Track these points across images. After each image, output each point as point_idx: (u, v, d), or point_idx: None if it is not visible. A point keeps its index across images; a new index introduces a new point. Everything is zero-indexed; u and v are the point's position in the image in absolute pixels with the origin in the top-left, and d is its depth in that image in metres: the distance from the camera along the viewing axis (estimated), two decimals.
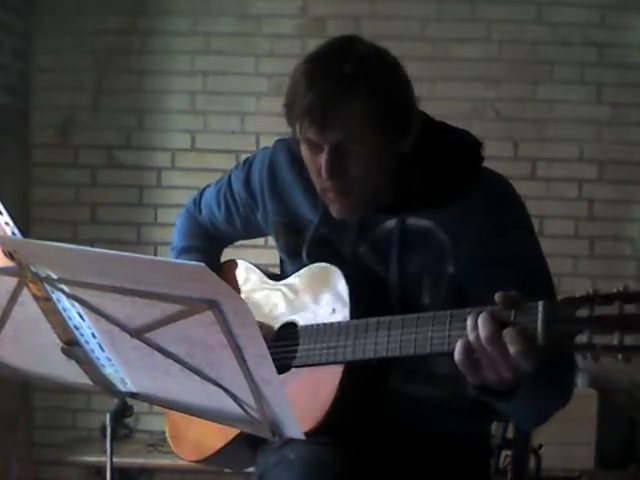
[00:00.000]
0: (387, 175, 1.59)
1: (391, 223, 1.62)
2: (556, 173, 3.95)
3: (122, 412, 1.50)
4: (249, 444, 1.72)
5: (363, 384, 1.58)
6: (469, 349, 1.33)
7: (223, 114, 3.99)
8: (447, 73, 3.93)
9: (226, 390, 1.31)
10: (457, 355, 1.34)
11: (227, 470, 2.16)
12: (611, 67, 3.91)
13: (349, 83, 1.50)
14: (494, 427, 1.85)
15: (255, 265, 1.87)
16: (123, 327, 1.31)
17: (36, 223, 3.95)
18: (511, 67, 3.94)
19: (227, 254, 2.00)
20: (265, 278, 1.82)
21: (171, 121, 4.02)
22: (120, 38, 3.98)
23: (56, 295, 1.34)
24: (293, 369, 1.63)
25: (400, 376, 1.59)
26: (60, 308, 1.36)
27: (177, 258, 1.90)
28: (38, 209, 4.01)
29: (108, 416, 1.50)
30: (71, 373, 1.45)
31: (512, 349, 1.28)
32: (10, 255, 1.30)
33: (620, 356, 1.20)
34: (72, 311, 1.36)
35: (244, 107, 3.97)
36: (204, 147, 4.01)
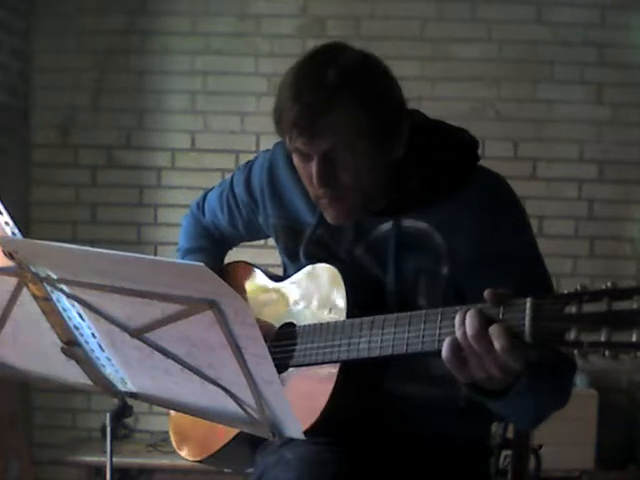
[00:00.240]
0: (380, 180, 1.59)
1: (387, 225, 1.62)
2: (556, 173, 3.95)
3: (122, 412, 1.50)
4: (248, 444, 1.73)
5: (359, 384, 1.58)
6: (456, 346, 1.33)
7: (223, 114, 3.99)
8: (447, 73, 3.93)
9: (226, 390, 1.31)
10: (444, 352, 1.34)
11: (227, 470, 2.16)
12: (611, 67, 3.91)
13: (334, 92, 1.50)
14: (494, 427, 1.85)
15: (256, 266, 1.88)
16: (123, 327, 1.31)
17: (36, 223, 3.96)
18: (511, 67, 3.94)
19: (228, 255, 2.01)
20: (266, 279, 1.83)
21: (171, 121, 4.02)
22: (120, 38, 3.99)
23: (56, 295, 1.34)
24: (291, 368, 1.64)
25: (396, 376, 1.59)
26: (60, 308, 1.36)
27: (182, 259, 1.92)
28: (38, 209, 4.01)
29: (108, 416, 1.50)
30: (71, 373, 1.45)
31: (497, 345, 1.28)
32: (10, 255, 1.30)
33: (608, 353, 1.18)
34: (72, 311, 1.36)
35: (244, 107, 3.97)
36: (204, 147, 4.01)
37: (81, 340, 1.39)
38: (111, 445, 1.52)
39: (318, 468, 1.54)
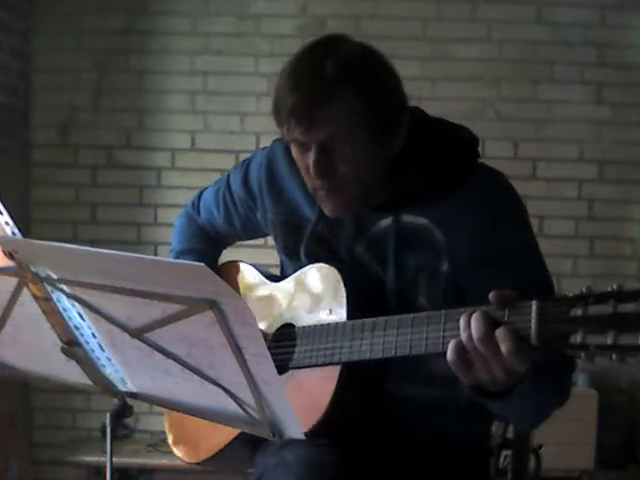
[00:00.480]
0: (378, 173, 1.58)
1: (387, 221, 1.61)
2: (556, 173, 3.95)
3: (122, 412, 1.50)
4: (248, 445, 1.72)
5: (360, 385, 1.58)
6: (462, 349, 1.32)
7: (223, 114, 3.99)
8: (447, 73, 3.93)
9: (226, 390, 1.31)
10: (450, 355, 1.34)
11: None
12: (611, 67, 3.91)
13: (333, 83, 1.50)
14: (494, 427, 1.85)
15: (254, 266, 1.87)
16: (123, 327, 1.31)
17: (36, 223, 3.95)
18: (511, 67, 3.94)
19: (226, 254, 2.00)
20: (264, 279, 1.82)
21: (171, 121, 4.02)
22: (120, 38, 3.99)
23: (56, 295, 1.34)
24: (290, 370, 1.63)
25: (398, 377, 1.59)
26: (60, 308, 1.36)
27: None
28: (38, 209, 4.01)
29: (108, 416, 1.49)
30: (71, 373, 1.45)
31: (504, 348, 1.27)
32: (10, 255, 1.30)
33: (614, 356, 1.18)
34: (72, 311, 1.36)
35: (244, 107, 3.97)
36: (204, 147, 4.01)
37: (81, 340, 1.39)
38: (111, 445, 1.52)
39: (318, 470, 1.53)
